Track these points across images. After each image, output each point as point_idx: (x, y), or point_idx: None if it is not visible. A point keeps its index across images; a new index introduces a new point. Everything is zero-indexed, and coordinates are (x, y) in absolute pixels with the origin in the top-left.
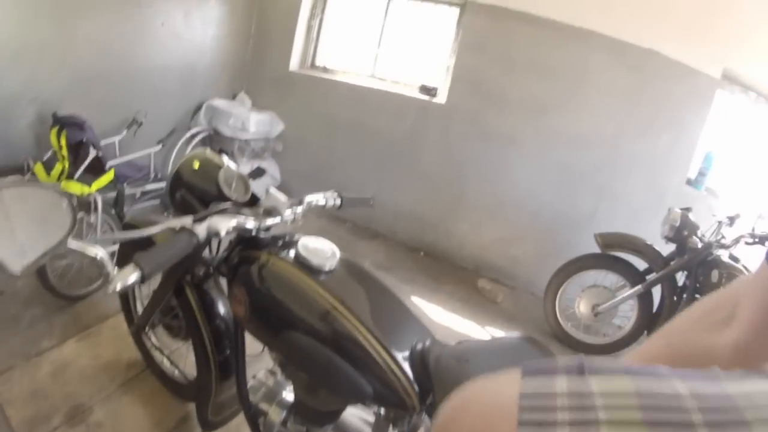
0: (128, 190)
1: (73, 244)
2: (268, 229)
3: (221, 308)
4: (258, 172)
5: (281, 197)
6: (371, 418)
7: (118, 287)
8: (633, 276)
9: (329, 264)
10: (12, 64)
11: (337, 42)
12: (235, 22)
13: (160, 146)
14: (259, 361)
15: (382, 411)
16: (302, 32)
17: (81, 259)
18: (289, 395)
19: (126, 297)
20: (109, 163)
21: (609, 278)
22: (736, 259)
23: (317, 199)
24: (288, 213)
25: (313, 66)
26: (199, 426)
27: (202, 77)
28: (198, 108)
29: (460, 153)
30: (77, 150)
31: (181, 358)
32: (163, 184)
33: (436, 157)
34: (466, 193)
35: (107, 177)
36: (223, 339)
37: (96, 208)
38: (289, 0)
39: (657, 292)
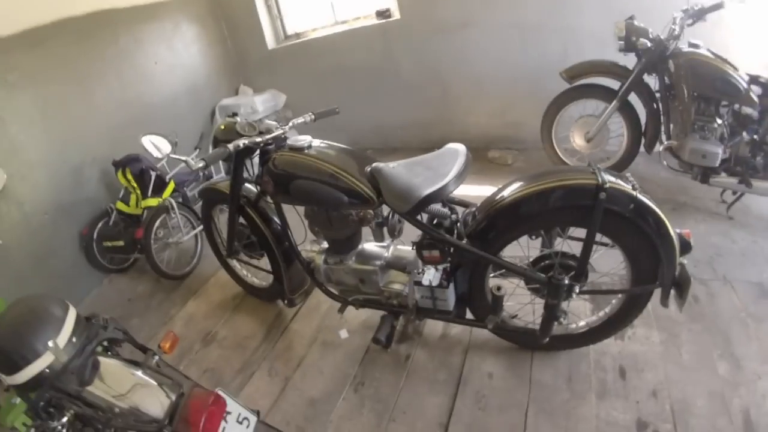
0: (188, 192)
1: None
2: (272, 143)
3: (274, 216)
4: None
5: (272, 123)
6: (372, 238)
7: (194, 165)
8: (610, 96)
9: (306, 143)
10: (68, 144)
11: (297, 6)
12: (209, 32)
13: (197, 151)
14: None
15: (373, 225)
16: (265, 14)
17: (177, 248)
18: (324, 245)
19: (215, 245)
20: (168, 177)
21: (591, 106)
22: (696, 46)
23: (298, 119)
24: (279, 131)
25: (286, 37)
26: (289, 311)
27: (205, 87)
28: (213, 112)
29: (430, 53)
30: (142, 177)
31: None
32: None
33: (412, 66)
34: (450, 85)
35: (170, 187)
36: (281, 236)
37: (173, 208)
38: None
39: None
